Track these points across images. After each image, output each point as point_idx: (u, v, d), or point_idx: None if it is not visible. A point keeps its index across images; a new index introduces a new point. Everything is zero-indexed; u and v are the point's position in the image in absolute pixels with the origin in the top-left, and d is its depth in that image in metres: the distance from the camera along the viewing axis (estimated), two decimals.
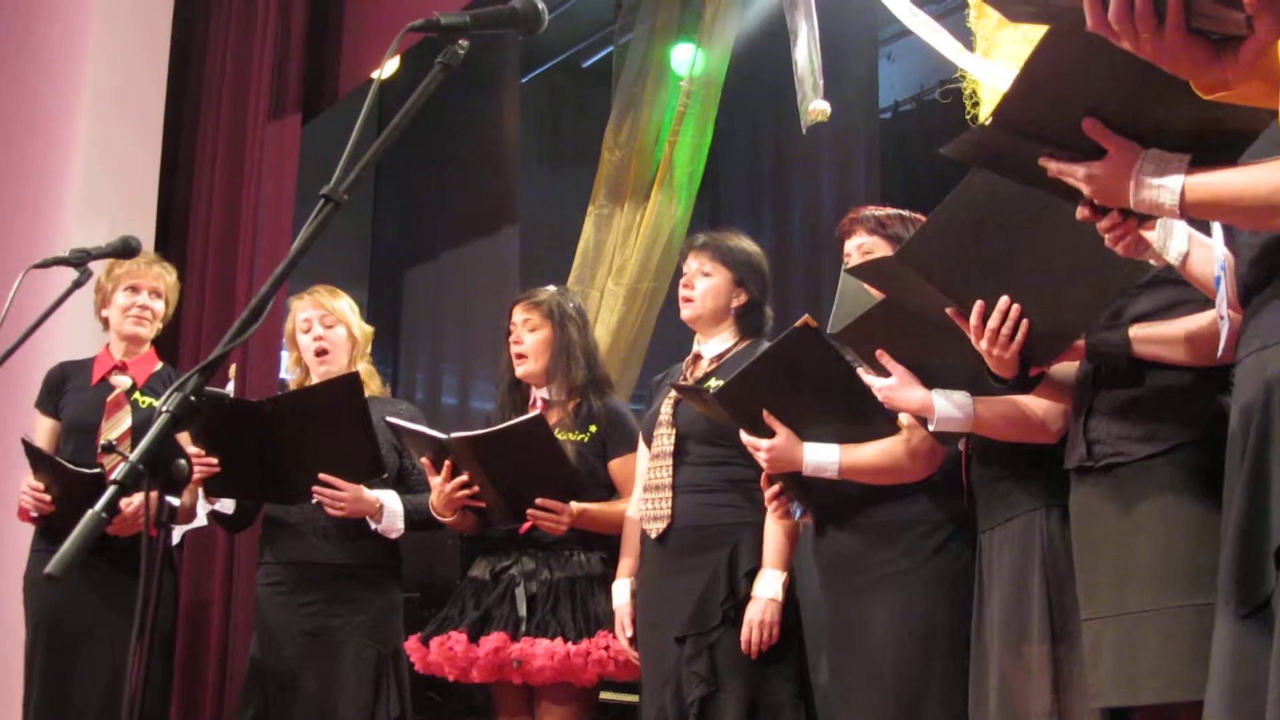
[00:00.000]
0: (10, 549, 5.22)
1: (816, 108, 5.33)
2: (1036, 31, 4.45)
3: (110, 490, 1.72)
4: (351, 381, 4.42)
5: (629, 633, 4.24)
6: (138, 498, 4.49)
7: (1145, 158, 2.19)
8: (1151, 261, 2.63)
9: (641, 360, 6.52)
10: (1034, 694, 3.18)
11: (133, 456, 1.73)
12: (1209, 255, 2.55)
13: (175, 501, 1.73)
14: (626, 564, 4.36)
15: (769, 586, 3.97)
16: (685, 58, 6.76)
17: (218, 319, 5.22)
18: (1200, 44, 1.82)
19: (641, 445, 4.40)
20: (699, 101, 6.60)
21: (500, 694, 4.49)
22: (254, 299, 1.88)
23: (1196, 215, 2.33)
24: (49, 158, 6.19)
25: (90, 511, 1.68)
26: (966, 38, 4.76)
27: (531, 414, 4.34)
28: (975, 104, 4.74)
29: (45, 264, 3.91)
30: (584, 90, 8.20)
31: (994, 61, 4.62)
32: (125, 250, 4.01)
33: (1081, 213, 2.35)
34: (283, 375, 5.79)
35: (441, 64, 2.13)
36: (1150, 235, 2.51)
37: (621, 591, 4.32)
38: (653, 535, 4.16)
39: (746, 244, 4.34)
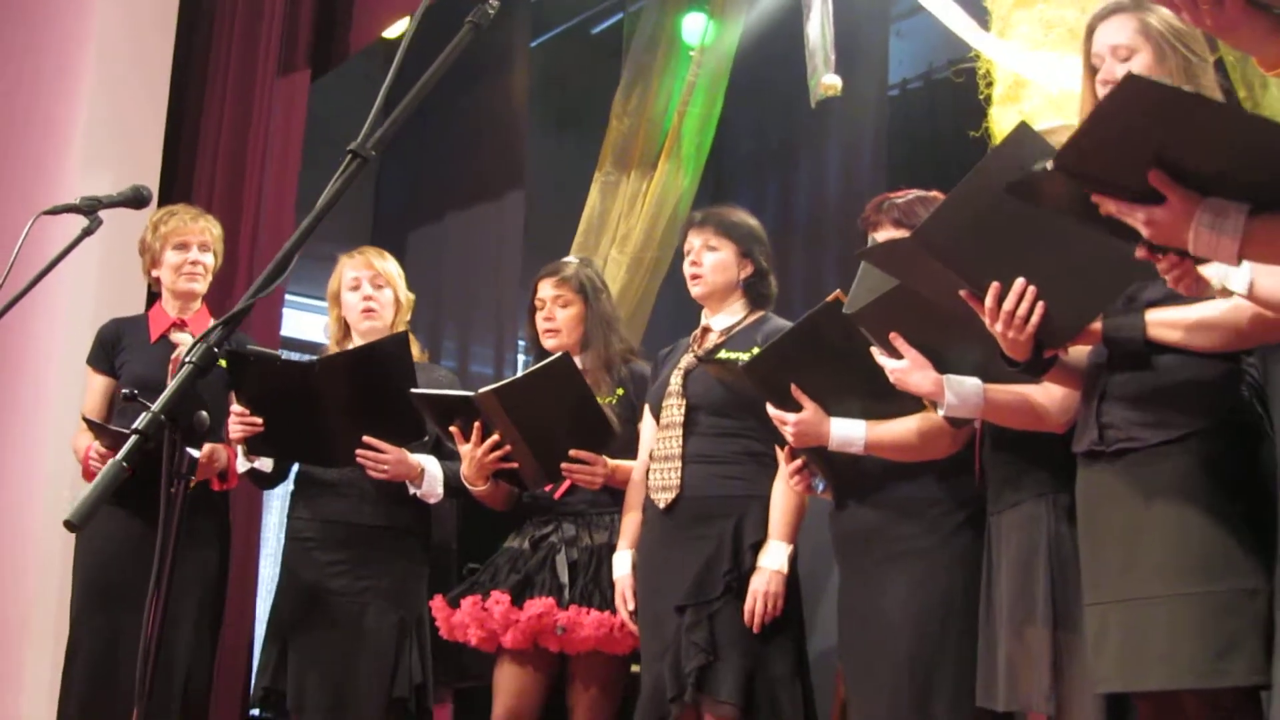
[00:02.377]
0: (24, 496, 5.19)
1: (828, 82, 5.32)
2: (1053, 12, 4.46)
3: (131, 440, 1.71)
4: (402, 341, 4.42)
5: (630, 605, 4.24)
6: (207, 447, 4.51)
7: (1205, 207, 2.23)
8: (1215, 297, 2.63)
9: (643, 330, 6.52)
10: (1034, 677, 3.19)
11: (155, 406, 1.72)
12: (1276, 281, 2.55)
13: (195, 453, 1.72)
14: (628, 534, 4.35)
15: (775, 558, 3.98)
16: (696, 27, 6.75)
17: (219, 276, 5.19)
18: (1261, 18, 1.82)
19: (647, 416, 4.40)
20: (709, 72, 6.60)
21: (515, 657, 4.44)
22: (280, 252, 1.87)
23: (1255, 261, 2.36)
24: (54, 108, 6.14)
25: (111, 461, 1.67)
26: (981, 16, 4.75)
27: (556, 356, 4.30)
28: (989, 84, 4.74)
29: (56, 210, 3.87)
30: (592, 57, 8.17)
31: (1009, 41, 4.61)
32: (136, 200, 3.97)
33: (1140, 253, 2.39)
34: (284, 338, 5.78)
35: (472, 23, 2.13)
36: (1208, 272, 2.52)
37: (622, 563, 4.32)
38: (661, 505, 4.16)
39: (746, 216, 4.36)
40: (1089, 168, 2.32)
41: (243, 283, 5.85)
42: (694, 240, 4.30)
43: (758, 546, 4.02)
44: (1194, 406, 2.87)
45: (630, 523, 4.36)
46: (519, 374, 4.35)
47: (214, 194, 6.07)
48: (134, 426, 1.72)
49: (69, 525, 1.64)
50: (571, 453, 4.30)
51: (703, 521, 4.09)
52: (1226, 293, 2.61)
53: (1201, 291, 2.56)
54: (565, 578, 4.36)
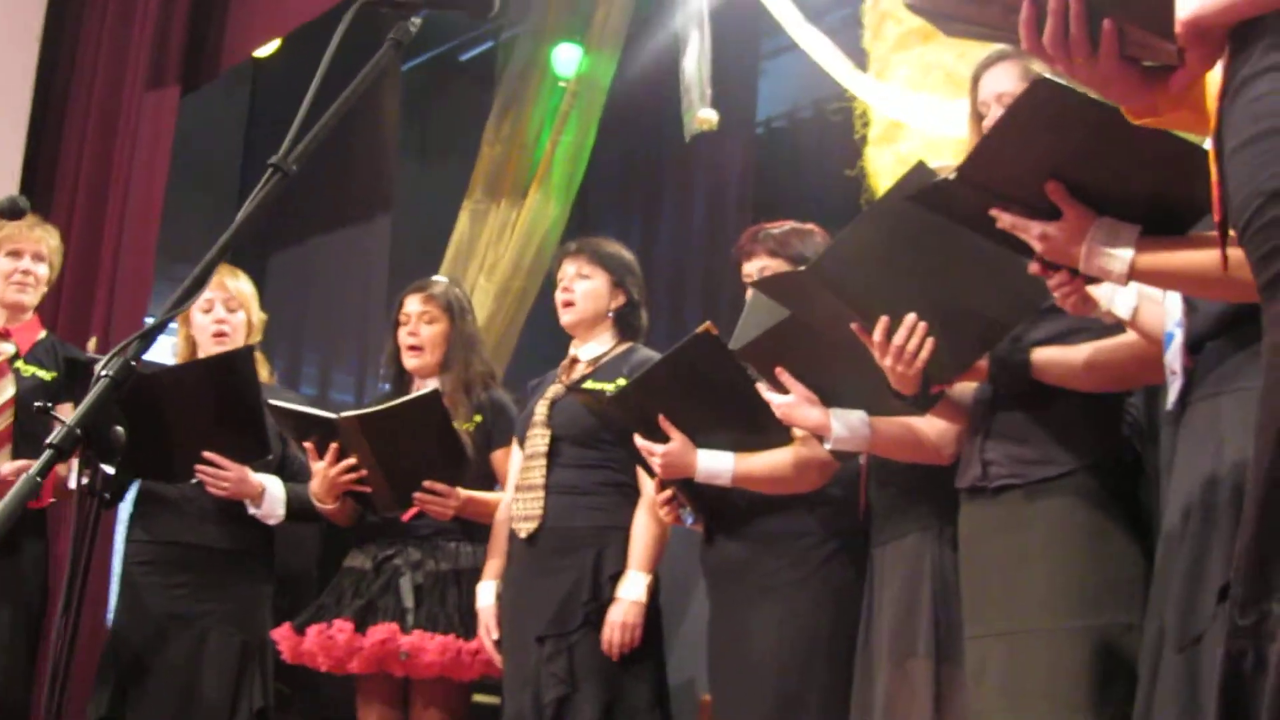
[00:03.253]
0: None
1: (704, 116, 5.37)
2: (932, 56, 4.54)
3: (46, 454, 1.67)
4: (246, 356, 4.35)
5: (494, 635, 4.21)
6: (7, 465, 4.38)
7: (1098, 225, 2.28)
8: (1101, 318, 2.68)
9: (509, 358, 6.50)
10: (915, 710, 3.22)
11: (70, 420, 1.68)
12: (1158, 310, 2.61)
13: (110, 470, 1.68)
14: (493, 566, 4.32)
15: (633, 589, 3.97)
16: (569, 58, 6.76)
17: (79, 290, 5.08)
18: (1132, 71, 1.86)
19: (515, 449, 4.37)
20: (583, 103, 6.60)
21: (366, 684, 4.41)
22: (198, 267, 1.83)
23: (1143, 282, 2.42)
24: None
25: (25, 475, 1.63)
26: (860, 58, 4.82)
27: (427, 389, 4.28)
28: (866, 124, 4.81)
29: None
30: (461, 85, 8.15)
31: (887, 83, 4.68)
32: (13, 210, 3.87)
33: (1033, 268, 2.42)
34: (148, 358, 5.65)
35: (393, 40, 2.10)
36: (1097, 292, 2.56)
37: (486, 594, 4.28)
38: (522, 535, 4.13)
39: (621, 248, 4.35)
40: (990, 178, 2.35)
41: (103, 298, 5.73)
42: (568, 268, 4.28)
43: (617, 577, 4.01)
44: (1076, 444, 2.91)
45: (495, 557, 4.32)
46: (387, 403, 4.28)
47: (75, 208, 5.95)
48: (48, 441, 1.68)
49: None
50: (425, 483, 4.26)
51: (564, 553, 4.07)
52: (1112, 315, 2.66)
53: (1089, 311, 2.60)
54: (409, 602, 4.31)
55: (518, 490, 4.21)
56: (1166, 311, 2.55)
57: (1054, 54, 1.85)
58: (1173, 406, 2.54)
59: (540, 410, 4.22)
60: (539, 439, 4.19)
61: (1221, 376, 2.41)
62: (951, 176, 2.39)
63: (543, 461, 4.16)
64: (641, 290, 4.33)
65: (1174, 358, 2.51)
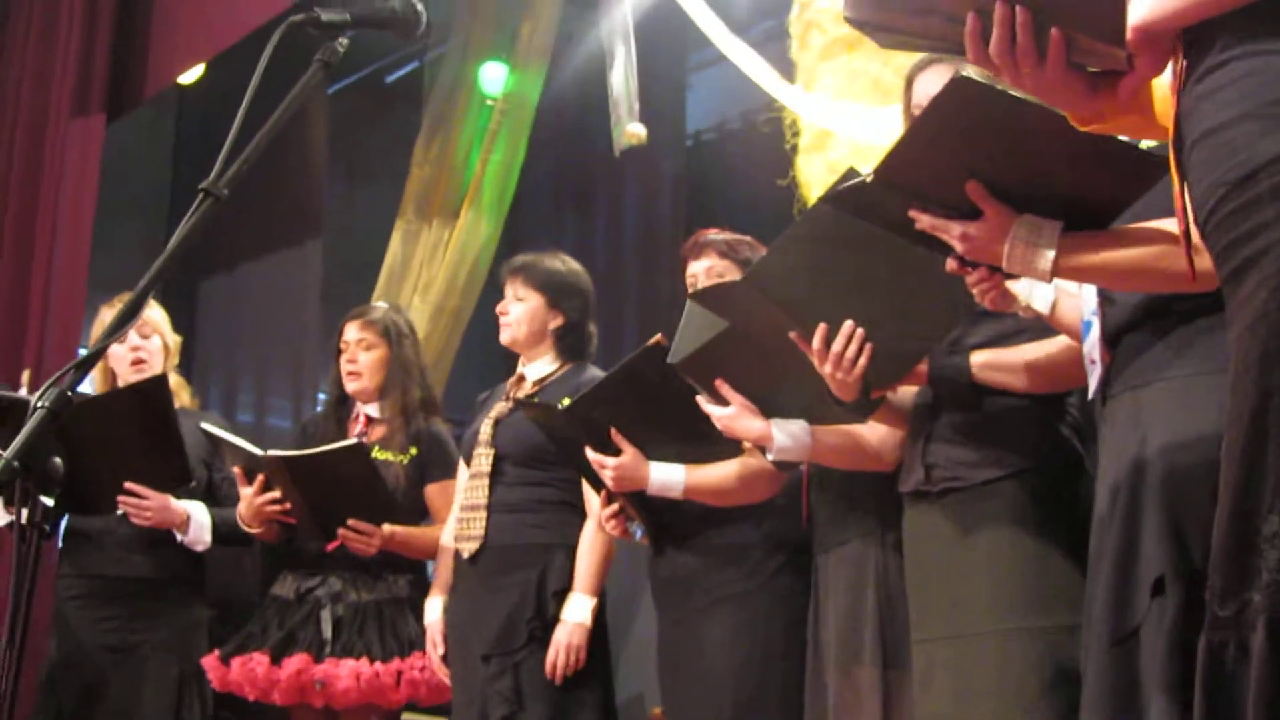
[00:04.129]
0: None
1: (632, 130, 5.37)
2: (858, 64, 4.57)
3: None
4: (159, 384, 4.31)
5: (440, 650, 4.19)
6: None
7: (1020, 223, 2.28)
8: (1019, 312, 2.69)
9: (446, 378, 6.47)
10: (864, 716, 3.22)
11: (7, 453, 1.65)
12: (1075, 304, 2.63)
13: (49, 501, 1.66)
14: (441, 581, 4.31)
15: (577, 611, 3.96)
16: (495, 76, 6.76)
17: (10, 322, 5.02)
18: (1079, 78, 1.86)
19: (462, 469, 4.35)
20: (512, 121, 6.60)
21: (300, 717, 4.39)
22: (133, 294, 1.81)
23: (1066, 279, 2.43)
24: None
25: None
26: (787, 69, 4.84)
27: (350, 441, 4.28)
28: (795, 134, 4.83)
29: None
30: (388, 106, 8.12)
31: (815, 93, 4.70)
32: None
33: (951, 265, 2.42)
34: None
35: (321, 61, 2.09)
36: (1016, 287, 2.57)
37: (434, 609, 4.27)
38: (465, 555, 4.11)
39: (562, 264, 4.28)
40: (908, 179, 2.35)
41: (35, 330, 5.68)
42: (507, 289, 4.27)
43: (562, 595, 4.00)
44: (1017, 446, 2.92)
45: (443, 574, 4.31)
46: (311, 450, 4.26)
47: (3, 240, 5.90)
48: None
49: None
50: (350, 521, 4.25)
51: (506, 571, 4.06)
52: (1031, 310, 2.68)
53: (1008, 306, 2.61)
54: (328, 633, 4.31)
55: (462, 510, 4.19)
56: (1084, 301, 2.58)
57: (1001, 64, 1.85)
58: (1092, 396, 2.56)
59: (485, 429, 4.20)
60: (483, 459, 4.17)
61: (1142, 369, 2.43)
62: (869, 179, 2.40)
63: (485, 481, 4.14)
64: (585, 309, 4.27)
65: (1091, 348, 2.53)
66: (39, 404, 1.71)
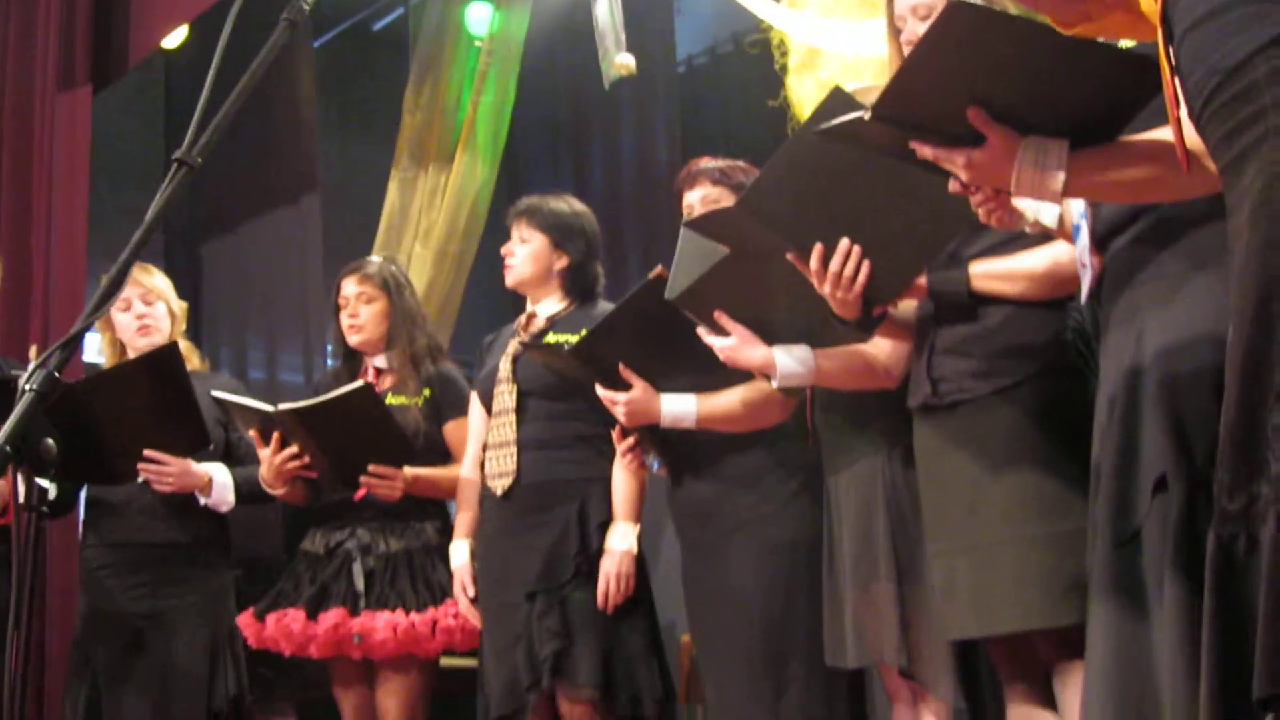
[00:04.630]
0: None
1: (621, 61, 5.33)
2: None
3: None
4: (171, 352, 4.33)
5: (471, 594, 4.21)
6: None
7: (1026, 146, 2.21)
8: (1026, 229, 2.66)
9: (453, 324, 6.47)
10: (884, 634, 3.23)
11: None
12: (1079, 205, 2.59)
13: (45, 484, 1.65)
14: (464, 524, 4.32)
15: (623, 539, 3.98)
16: (481, 17, 6.72)
17: (14, 297, 5.02)
18: None
19: (475, 406, 4.37)
20: (500, 61, 6.56)
21: (338, 668, 4.44)
22: (114, 268, 1.80)
23: (1078, 197, 2.39)
24: None
25: None
26: None
27: (357, 383, 4.28)
28: (784, 54, 4.79)
29: None
30: (375, 55, 8.08)
31: (801, 10, 4.66)
32: None
33: (954, 187, 2.37)
34: (89, 359, 5.63)
35: (287, 20, 2.06)
36: (1021, 203, 2.53)
37: (460, 552, 4.28)
38: (498, 492, 4.12)
39: (567, 206, 4.30)
40: (907, 112, 2.30)
41: (39, 304, 5.68)
42: (512, 231, 4.28)
43: (604, 527, 4.02)
44: (1022, 353, 2.91)
45: (465, 517, 4.32)
46: (320, 398, 4.27)
47: (0, 218, 5.88)
48: None
49: None
50: (370, 467, 4.27)
51: (544, 508, 4.07)
52: (1039, 225, 2.64)
53: (1015, 224, 2.57)
54: (360, 586, 4.34)
55: (488, 448, 4.20)
56: (1072, 204, 2.54)
57: None
58: (1085, 300, 2.54)
59: (504, 366, 4.21)
60: (505, 395, 4.18)
61: (1133, 270, 2.41)
62: (866, 116, 2.35)
63: (512, 417, 4.15)
64: (590, 249, 4.29)
65: (1083, 251, 2.50)
66: (26, 387, 1.70)
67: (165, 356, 4.32)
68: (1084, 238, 2.48)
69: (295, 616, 4.31)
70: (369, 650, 4.28)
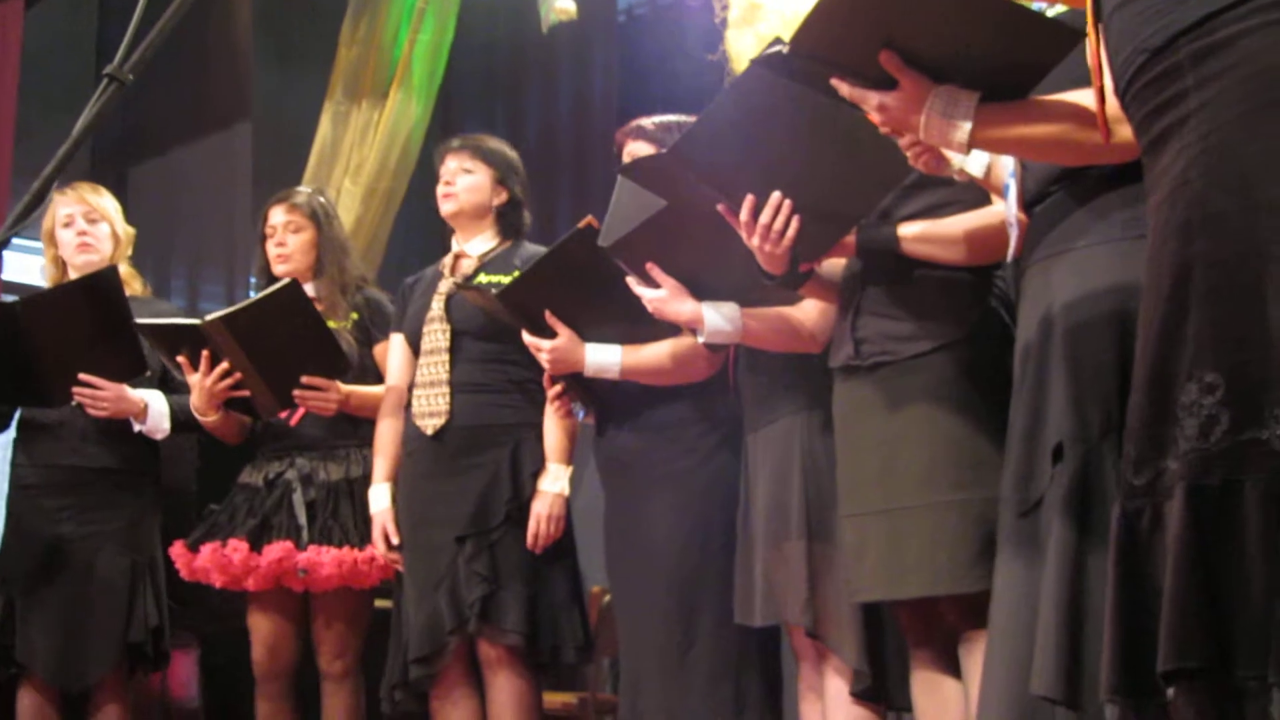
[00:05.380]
0: None
1: (562, 6, 5.31)
2: None
3: None
4: (110, 276, 4.30)
5: (394, 540, 4.19)
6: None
7: (936, 94, 2.24)
8: (954, 176, 2.67)
9: (379, 262, 6.43)
10: (791, 590, 3.26)
11: None
12: (1010, 164, 2.61)
13: None
14: (382, 466, 4.29)
15: (555, 481, 4.02)
16: None
17: None
18: None
19: (398, 348, 4.35)
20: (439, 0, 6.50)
21: (257, 599, 4.44)
22: (35, 183, 1.77)
23: (984, 150, 2.41)
24: None
25: None
26: None
27: (284, 281, 4.24)
28: (724, 7, 4.76)
29: None
30: None
31: None
32: None
33: (883, 128, 2.39)
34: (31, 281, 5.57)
35: None
36: (949, 151, 2.55)
37: (380, 497, 4.26)
38: (428, 431, 4.11)
39: (504, 146, 4.35)
40: (825, 50, 2.33)
41: None
42: (450, 163, 4.27)
43: (537, 475, 4.05)
44: (947, 318, 2.93)
45: (384, 461, 4.30)
46: (248, 301, 4.25)
47: None
48: None
49: None
50: (304, 379, 4.26)
51: (476, 451, 4.08)
52: (965, 174, 2.66)
53: (942, 170, 2.59)
54: (303, 519, 4.33)
55: (418, 387, 4.19)
56: (1002, 163, 2.57)
57: None
58: (1011, 258, 2.57)
59: (436, 306, 4.21)
60: (439, 334, 4.17)
61: (1053, 238, 2.44)
62: (785, 49, 2.37)
63: (445, 357, 4.15)
64: (524, 190, 4.33)
65: (1011, 210, 2.53)
66: None
67: (104, 279, 4.28)
68: (1012, 197, 2.51)
69: (237, 547, 4.29)
70: (311, 584, 4.28)
